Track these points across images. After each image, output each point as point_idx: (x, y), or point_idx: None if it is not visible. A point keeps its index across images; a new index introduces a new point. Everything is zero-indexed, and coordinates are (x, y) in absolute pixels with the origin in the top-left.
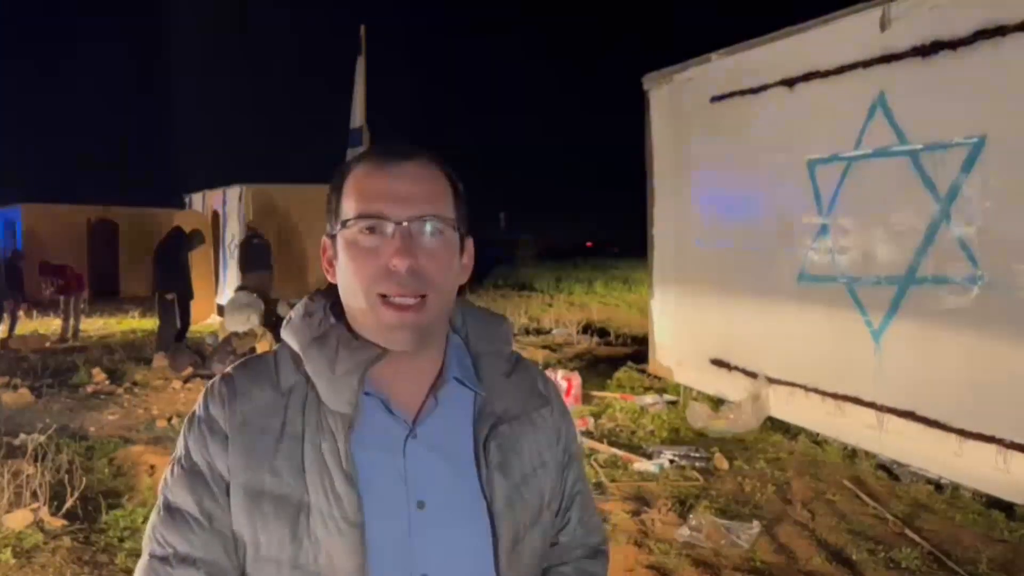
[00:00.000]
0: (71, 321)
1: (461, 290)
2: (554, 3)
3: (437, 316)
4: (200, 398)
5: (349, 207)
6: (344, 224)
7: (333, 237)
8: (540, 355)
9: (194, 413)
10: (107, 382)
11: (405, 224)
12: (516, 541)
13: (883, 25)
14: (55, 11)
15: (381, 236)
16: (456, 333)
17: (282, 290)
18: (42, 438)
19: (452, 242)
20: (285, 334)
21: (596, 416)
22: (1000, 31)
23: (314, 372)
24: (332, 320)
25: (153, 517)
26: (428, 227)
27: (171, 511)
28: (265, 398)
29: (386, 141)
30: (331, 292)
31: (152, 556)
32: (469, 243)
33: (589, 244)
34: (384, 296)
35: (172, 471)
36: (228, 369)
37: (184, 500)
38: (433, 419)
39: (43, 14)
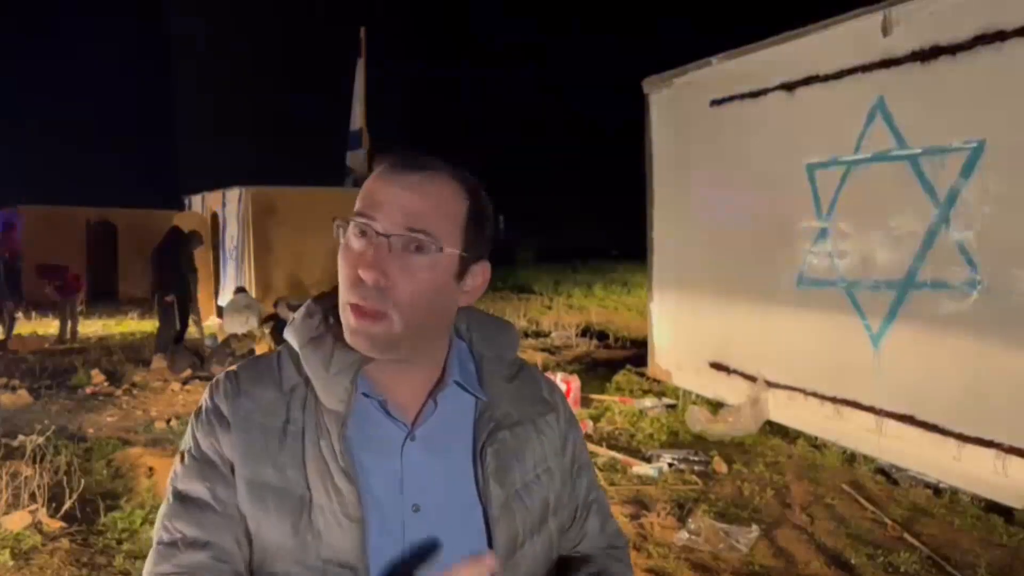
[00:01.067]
0: (69, 323)
1: None
2: (554, 6)
3: (405, 334)
4: (205, 391)
5: (356, 204)
6: (346, 221)
7: None
8: (539, 358)
9: (200, 406)
10: (106, 383)
11: (385, 238)
12: (514, 548)
13: (885, 30)
14: (54, 11)
15: (368, 240)
16: (460, 338)
17: (282, 292)
18: (40, 439)
19: (440, 264)
20: (287, 334)
21: (595, 419)
22: (1000, 36)
23: (311, 371)
24: (331, 321)
25: (163, 509)
26: (413, 244)
27: (182, 499)
28: (267, 397)
29: (385, 144)
30: (334, 295)
31: (160, 543)
32: (480, 267)
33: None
34: (351, 304)
35: (182, 462)
36: (233, 367)
37: (195, 488)
38: (432, 422)
39: (42, 14)
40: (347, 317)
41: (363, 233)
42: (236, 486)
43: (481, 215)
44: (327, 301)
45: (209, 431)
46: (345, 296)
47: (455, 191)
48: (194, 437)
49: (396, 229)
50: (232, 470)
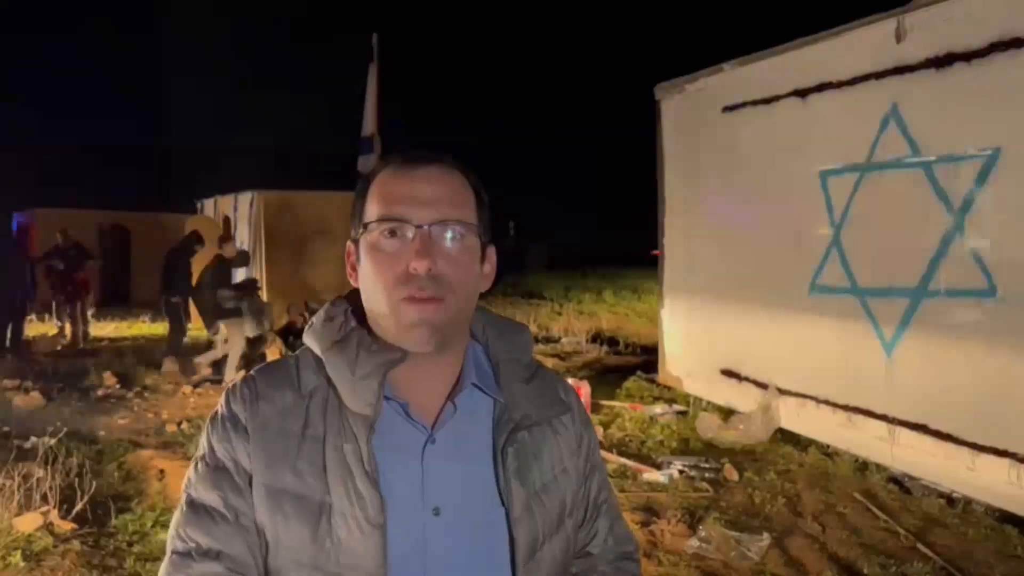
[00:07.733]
0: (79, 326)
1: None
2: (566, 11)
3: (455, 318)
4: (222, 398)
5: (372, 210)
6: (366, 227)
7: (357, 242)
8: (549, 363)
9: (216, 412)
10: (117, 386)
11: (426, 228)
12: (535, 549)
13: (898, 36)
14: (65, 13)
15: (402, 239)
16: (477, 341)
17: (294, 295)
18: (52, 441)
19: (473, 248)
20: (307, 338)
21: (605, 426)
22: (1015, 43)
23: (335, 375)
24: (353, 323)
25: (176, 516)
26: (449, 231)
27: (195, 508)
28: (286, 401)
29: (397, 148)
30: (352, 297)
31: (174, 552)
32: (491, 251)
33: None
34: (405, 298)
35: (196, 469)
36: (250, 372)
37: (208, 496)
38: (452, 425)
39: (53, 16)
40: (402, 312)
41: (393, 233)
42: (252, 494)
43: (482, 199)
44: (346, 303)
45: (225, 438)
46: (395, 294)
47: (462, 179)
48: (209, 444)
49: (432, 220)
50: (248, 478)
